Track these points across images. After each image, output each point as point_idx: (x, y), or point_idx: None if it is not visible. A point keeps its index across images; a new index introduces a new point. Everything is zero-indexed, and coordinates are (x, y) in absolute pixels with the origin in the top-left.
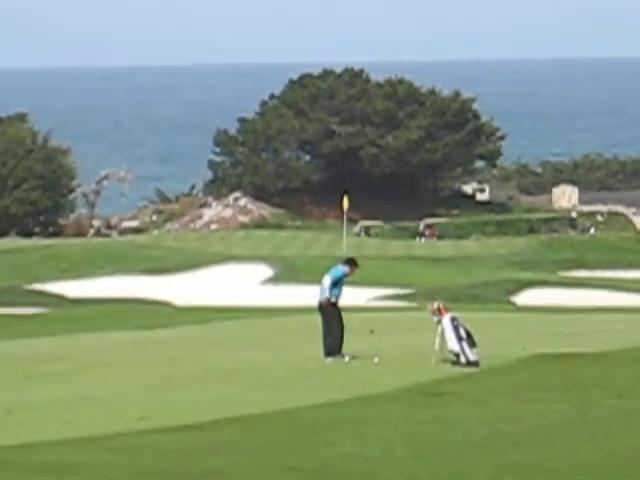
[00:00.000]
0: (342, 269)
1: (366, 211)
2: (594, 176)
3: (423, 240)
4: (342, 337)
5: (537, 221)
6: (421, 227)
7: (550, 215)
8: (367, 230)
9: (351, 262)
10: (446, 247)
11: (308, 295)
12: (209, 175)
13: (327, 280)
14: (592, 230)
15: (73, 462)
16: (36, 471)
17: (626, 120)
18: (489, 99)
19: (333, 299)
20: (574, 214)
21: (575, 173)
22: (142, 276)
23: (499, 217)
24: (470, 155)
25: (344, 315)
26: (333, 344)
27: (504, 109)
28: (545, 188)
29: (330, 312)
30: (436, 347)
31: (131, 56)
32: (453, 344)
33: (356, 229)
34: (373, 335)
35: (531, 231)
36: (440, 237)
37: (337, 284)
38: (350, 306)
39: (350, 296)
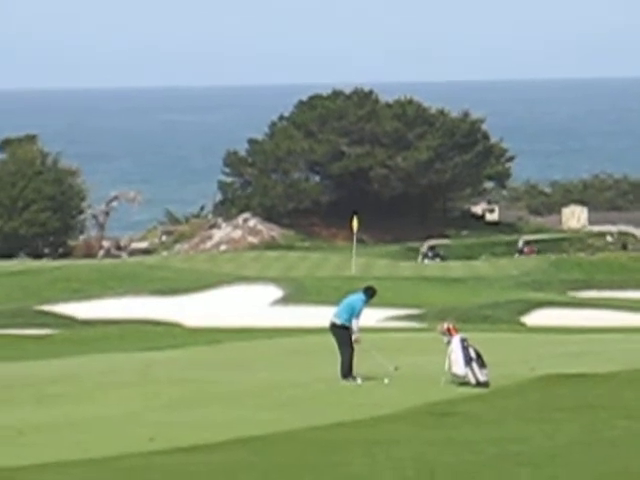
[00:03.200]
0: (362, 298)
1: (376, 232)
2: (604, 196)
3: (519, 256)
4: (352, 360)
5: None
6: (520, 244)
7: (559, 235)
8: (433, 249)
9: (371, 291)
10: (456, 267)
11: (317, 316)
12: (219, 196)
13: (346, 307)
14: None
15: None
16: None
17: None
18: (495, 119)
19: (346, 324)
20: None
21: (585, 193)
22: (152, 297)
23: (508, 237)
24: (479, 176)
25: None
26: (344, 367)
27: (509, 128)
28: (554, 208)
29: (341, 335)
30: (446, 368)
31: (144, 78)
32: (459, 368)
33: (423, 249)
34: (383, 356)
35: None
36: (539, 252)
37: (355, 312)
38: (360, 327)
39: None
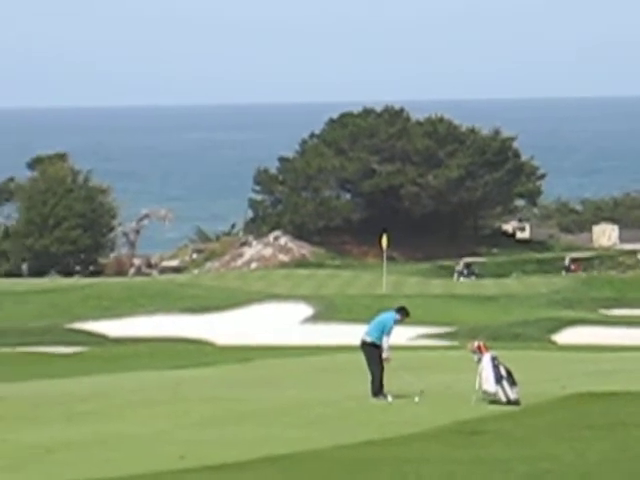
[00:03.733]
0: (394, 317)
1: (406, 250)
2: (635, 214)
3: (566, 274)
4: (382, 378)
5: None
6: (566, 261)
7: (589, 254)
8: (469, 267)
9: (403, 311)
10: (487, 286)
11: (348, 333)
12: (249, 214)
13: (378, 325)
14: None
15: None
16: None
17: None
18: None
19: (377, 342)
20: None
21: (615, 211)
22: (182, 315)
23: (539, 255)
24: (510, 194)
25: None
26: (375, 384)
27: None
28: (585, 226)
29: (371, 353)
30: (477, 386)
31: (173, 96)
32: (489, 385)
33: (458, 267)
34: (413, 374)
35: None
36: (585, 270)
37: (386, 331)
38: (391, 345)
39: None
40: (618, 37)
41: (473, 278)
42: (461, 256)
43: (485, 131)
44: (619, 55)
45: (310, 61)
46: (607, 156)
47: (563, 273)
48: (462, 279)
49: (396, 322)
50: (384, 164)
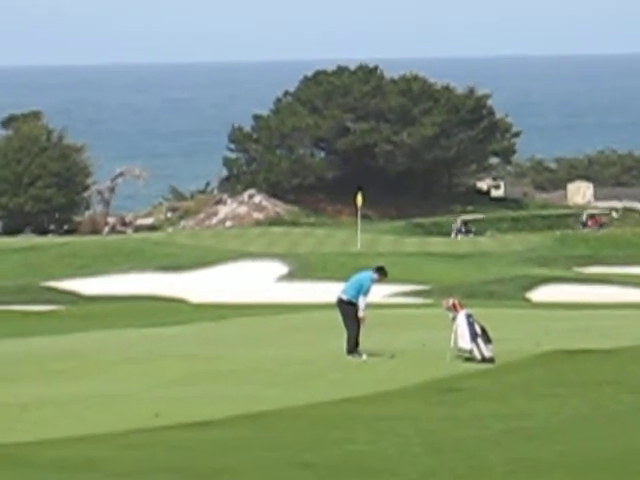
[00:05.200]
0: (372, 276)
1: (381, 208)
2: (609, 172)
3: (586, 230)
4: (358, 335)
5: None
6: (584, 217)
7: (565, 211)
8: (467, 224)
9: (381, 271)
10: (461, 243)
11: (323, 291)
12: (224, 172)
13: (355, 284)
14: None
15: (88, 458)
16: (51, 467)
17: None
18: (500, 95)
19: (353, 301)
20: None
21: (590, 169)
22: (157, 273)
23: (514, 213)
24: (485, 152)
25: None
26: (350, 342)
27: (514, 104)
28: (560, 184)
29: (347, 311)
30: (451, 344)
31: (147, 54)
32: (465, 342)
33: (456, 225)
34: (388, 332)
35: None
36: (602, 226)
37: (363, 290)
38: (367, 304)
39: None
40: None
41: (471, 235)
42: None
43: (460, 89)
44: (588, 15)
45: (284, 20)
46: (579, 114)
47: (580, 228)
48: (460, 236)
49: (374, 282)
50: (358, 122)
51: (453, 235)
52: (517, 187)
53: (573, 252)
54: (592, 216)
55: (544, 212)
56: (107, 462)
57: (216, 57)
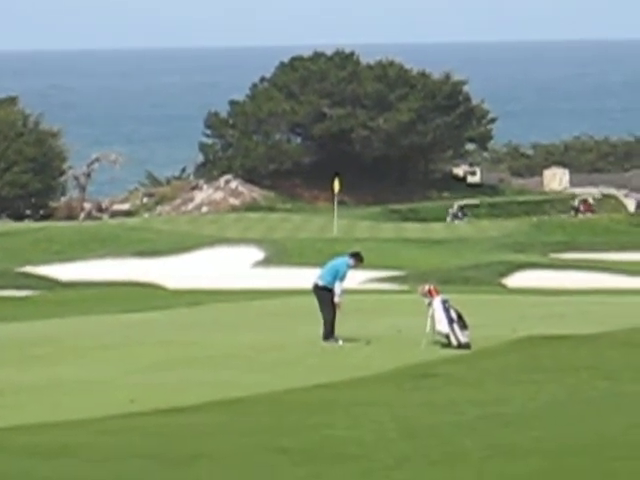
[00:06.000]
0: (348, 262)
1: (357, 194)
2: (585, 158)
3: (580, 215)
4: (334, 321)
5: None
6: (576, 202)
7: (542, 197)
8: (463, 209)
9: (357, 257)
10: (437, 229)
11: (299, 277)
12: (200, 158)
13: (331, 270)
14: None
15: (63, 444)
16: (26, 453)
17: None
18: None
19: (329, 286)
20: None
21: (566, 155)
22: (133, 259)
23: (490, 199)
24: (461, 138)
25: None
26: (326, 328)
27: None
28: (536, 170)
29: (323, 297)
30: (427, 329)
31: (120, 39)
32: (443, 326)
33: (453, 210)
34: (364, 318)
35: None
36: (593, 212)
37: (339, 276)
38: (343, 289)
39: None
40: None
41: (466, 220)
42: (411, 200)
43: (436, 75)
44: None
45: (260, 4)
46: (554, 99)
47: (572, 213)
48: (456, 221)
49: (350, 267)
50: (335, 108)
51: (449, 219)
52: (493, 173)
53: (549, 238)
54: (584, 201)
55: (520, 198)
56: (83, 448)
57: (191, 42)
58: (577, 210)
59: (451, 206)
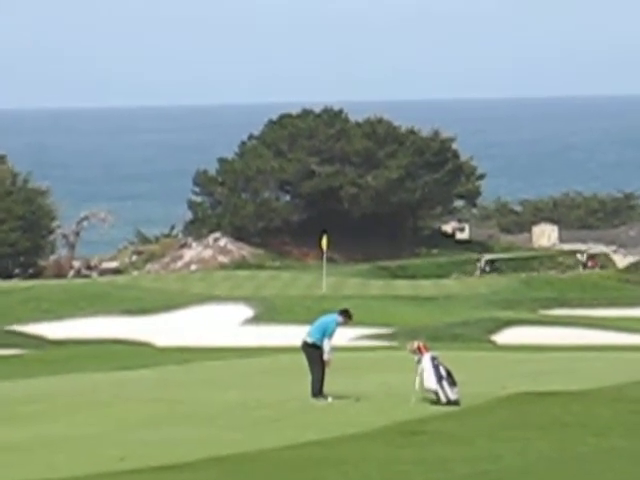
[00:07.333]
0: (337, 319)
1: (346, 251)
2: (574, 214)
3: (586, 270)
4: (323, 378)
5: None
6: (584, 258)
7: (532, 254)
8: (492, 263)
9: (346, 314)
10: (426, 286)
11: (288, 335)
12: (189, 216)
13: (319, 327)
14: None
15: None
16: None
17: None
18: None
19: (318, 344)
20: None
21: (555, 212)
22: (122, 317)
23: (479, 256)
24: (450, 194)
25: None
26: (315, 385)
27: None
28: (525, 226)
29: (312, 354)
30: (416, 386)
31: (108, 98)
32: (431, 383)
33: (480, 263)
34: (353, 375)
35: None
36: (602, 267)
37: (327, 333)
38: (332, 347)
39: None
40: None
41: (495, 274)
42: (400, 257)
43: (425, 132)
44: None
45: (248, 62)
46: (539, 157)
47: (580, 269)
48: (485, 275)
49: (338, 324)
50: (323, 165)
51: (478, 273)
52: (482, 229)
53: (538, 294)
54: (592, 256)
55: (509, 255)
56: None
57: (180, 100)
58: (585, 265)
59: (478, 260)
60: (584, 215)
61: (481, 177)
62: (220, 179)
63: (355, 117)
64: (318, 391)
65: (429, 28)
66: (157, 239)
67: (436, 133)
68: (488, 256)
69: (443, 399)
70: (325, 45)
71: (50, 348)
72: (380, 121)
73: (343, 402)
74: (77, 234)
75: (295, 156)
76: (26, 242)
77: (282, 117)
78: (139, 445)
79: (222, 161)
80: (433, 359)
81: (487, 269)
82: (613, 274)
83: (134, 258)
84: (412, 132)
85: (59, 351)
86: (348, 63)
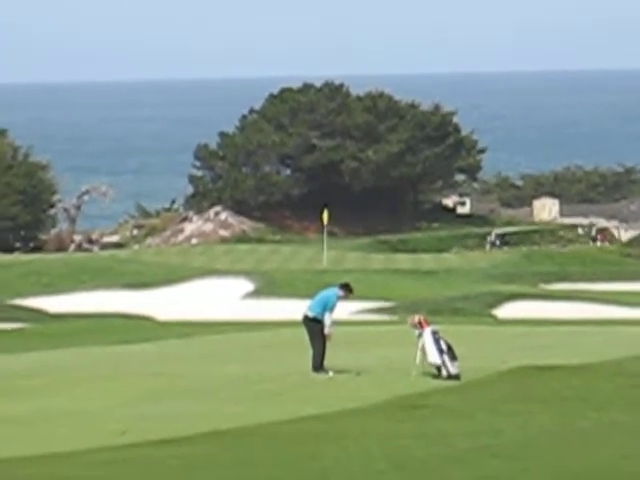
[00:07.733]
0: (337, 293)
1: (347, 225)
2: (575, 189)
3: (598, 244)
4: (324, 353)
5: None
6: (593, 232)
7: (532, 228)
8: (503, 237)
9: (346, 288)
10: (427, 260)
11: (289, 309)
12: (190, 189)
13: (320, 301)
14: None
15: (55, 476)
16: None
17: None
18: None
19: (319, 318)
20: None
21: (556, 186)
22: (123, 291)
23: (480, 230)
24: (450, 168)
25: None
26: (315, 359)
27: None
28: (526, 201)
29: (313, 328)
30: (417, 361)
31: (110, 71)
32: (434, 357)
33: (491, 237)
34: (354, 349)
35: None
36: (610, 242)
37: (328, 307)
38: (333, 321)
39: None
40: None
41: (505, 248)
42: (401, 231)
43: (425, 106)
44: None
45: (249, 35)
46: (540, 130)
47: (590, 243)
48: (495, 249)
49: (339, 298)
50: (324, 139)
51: (488, 247)
52: (483, 204)
53: (539, 269)
54: (602, 230)
55: (516, 228)
56: None
57: (182, 74)
58: (595, 239)
59: (489, 234)
60: (585, 189)
61: (482, 151)
62: (221, 153)
63: (356, 91)
64: (319, 365)
65: (428, 2)
66: (158, 213)
67: (437, 107)
68: (498, 230)
69: (444, 373)
70: (325, 19)
71: (51, 322)
72: (381, 95)
73: (344, 376)
74: (78, 208)
75: (296, 130)
76: (27, 216)
77: (283, 91)
78: (140, 419)
79: (223, 135)
80: (434, 333)
81: (497, 243)
82: (615, 248)
83: (135, 232)
84: (413, 106)
85: (60, 325)
86: (348, 37)
